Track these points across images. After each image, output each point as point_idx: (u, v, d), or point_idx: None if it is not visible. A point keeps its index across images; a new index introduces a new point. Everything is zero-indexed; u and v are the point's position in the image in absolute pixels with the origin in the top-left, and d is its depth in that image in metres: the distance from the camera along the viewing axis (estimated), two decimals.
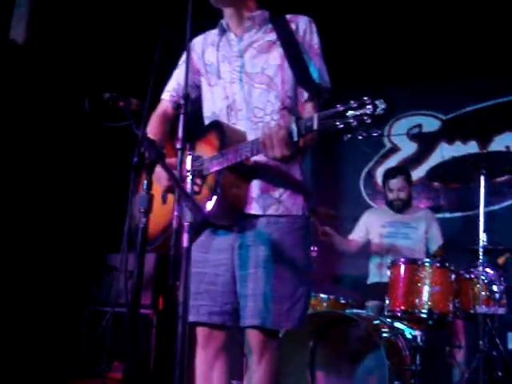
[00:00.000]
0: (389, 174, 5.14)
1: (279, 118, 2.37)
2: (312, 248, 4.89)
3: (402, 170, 5.32)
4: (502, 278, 3.96)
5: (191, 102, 2.56)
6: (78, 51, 5.05)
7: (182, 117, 1.98)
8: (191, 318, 2.35)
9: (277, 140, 2.08)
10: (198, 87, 2.61)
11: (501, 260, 4.14)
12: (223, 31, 2.56)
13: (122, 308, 1.81)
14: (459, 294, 3.94)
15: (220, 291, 2.40)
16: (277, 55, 2.43)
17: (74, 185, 5.26)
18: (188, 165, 1.97)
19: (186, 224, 1.88)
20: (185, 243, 1.86)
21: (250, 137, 2.33)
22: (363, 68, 5.75)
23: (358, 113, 1.92)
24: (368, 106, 1.91)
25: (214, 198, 2.24)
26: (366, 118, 1.91)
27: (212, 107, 2.52)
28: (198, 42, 2.64)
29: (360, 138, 1.96)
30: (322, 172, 6.16)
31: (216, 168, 2.28)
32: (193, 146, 2.14)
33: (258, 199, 2.37)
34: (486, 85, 5.62)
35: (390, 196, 5.02)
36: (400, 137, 6.10)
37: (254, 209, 2.37)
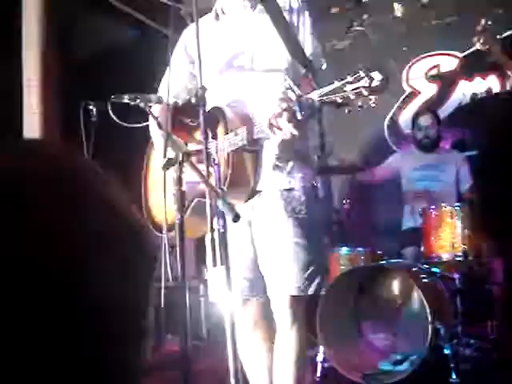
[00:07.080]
0: (418, 113, 5.27)
1: (282, 98, 2.42)
2: (344, 201, 4.98)
3: (430, 109, 5.46)
4: None
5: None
6: None
7: (201, 109, 2.07)
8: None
9: (283, 122, 2.15)
10: (195, 76, 2.60)
11: None
12: (217, 17, 2.60)
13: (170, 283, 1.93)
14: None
15: (246, 266, 2.48)
16: (275, 37, 2.45)
17: None
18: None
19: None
20: (221, 228, 1.97)
21: (256, 118, 2.38)
22: None
23: (355, 86, 1.98)
24: (364, 79, 1.96)
25: (228, 177, 2.30)
26: (363, 90, 1.97)
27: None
28: (190, 31, 2.64)
29: (359, 109, 2.03)
30: (343, 123, 6.18)
31: (229, 149, 2.33)
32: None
33: (269, 175, 2.43)
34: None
35: (419, 135, 5.05)
36: (419, 80, 6.06)
37: (265, 185, 2.44)
